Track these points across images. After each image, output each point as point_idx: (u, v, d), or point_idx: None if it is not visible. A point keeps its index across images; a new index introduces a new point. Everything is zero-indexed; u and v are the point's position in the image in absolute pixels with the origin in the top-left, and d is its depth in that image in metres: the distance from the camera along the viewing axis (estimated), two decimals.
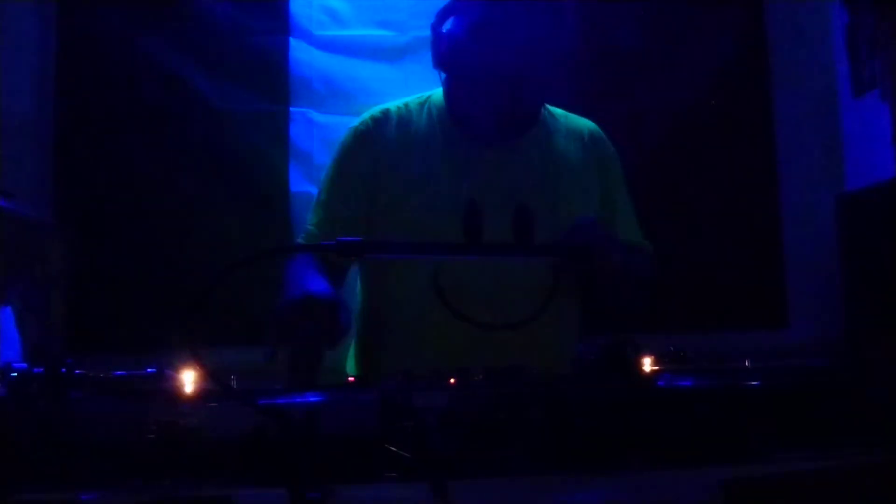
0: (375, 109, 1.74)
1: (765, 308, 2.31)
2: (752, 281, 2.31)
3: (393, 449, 0.85)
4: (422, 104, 1.73)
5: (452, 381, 1.00)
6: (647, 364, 1.04)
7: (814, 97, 2.37)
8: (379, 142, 1.68)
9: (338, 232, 1.58)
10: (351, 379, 1.07)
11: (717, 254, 2.30)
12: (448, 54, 1.61)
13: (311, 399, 0.92)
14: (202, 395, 0.92)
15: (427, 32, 1.66)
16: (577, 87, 2.31)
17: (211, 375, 0.91)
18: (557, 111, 1.79)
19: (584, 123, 1.80)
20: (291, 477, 0.77)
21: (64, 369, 0.95)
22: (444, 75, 1.66)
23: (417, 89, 1.96)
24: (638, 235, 1.77)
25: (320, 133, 2.25)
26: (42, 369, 0.96)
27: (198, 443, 0.85)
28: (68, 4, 2.24)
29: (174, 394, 0.93)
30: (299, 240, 1.75)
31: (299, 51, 2.25)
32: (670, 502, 0.80)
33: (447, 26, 1.62)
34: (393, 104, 1.74)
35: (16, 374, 0.95)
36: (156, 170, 2.18)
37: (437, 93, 1.74)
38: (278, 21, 2.26)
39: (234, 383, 1.00)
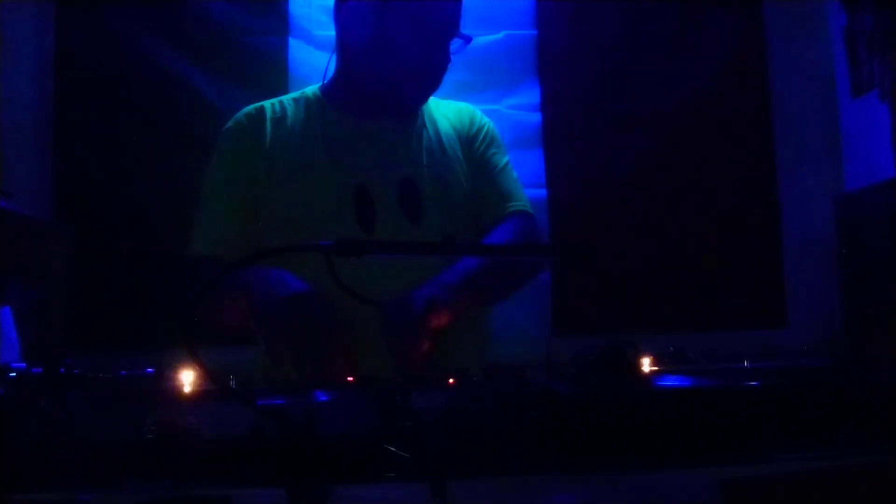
0: (249, 108, 1.73)
1: (764, 308, 2.32)
2: (751, 281, 2.32)
3: (392, 449, 0.85)
4: (296, 100, 1.74)
5: (451, 381, 1.00)
6: (647, 364, 1.05)
7: (812, 97, 2.37)
8: (257, 138, 1.68)
9: (234, 245, 1.59)
10: (350, 379, 1.07)
11: (716, 254, 2.30)
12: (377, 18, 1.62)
13: (310, 399, 0.92)
14: (201, 396, 0.93)
15: None
16: (573, 88, 2.32)
17: (210, 375, 0.91)
18: None
19: (457, 103, 1.83)
20: (290, 477, 0.77)
21: (63, 369, 0.95)
22: (347, 51, 1.68)
23: None
24: (519, 200, 1.76)
25: None
26: (41, 369, 0.96)
27: (197, 443, 0.85)
28: (68, 4, 2.24)
29: (173, 394, 0.93)
30: (191, 257, 1.65)
31: (299, 51, 2.24)
32: (670, 502, 0.80)
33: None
34: (267, 101, 1.74)
35: (14, 373, 0.95)
36: (155, 169, 2.18)
37: (310, 89, 1.76)
38: (278, 21, 2.25)
39: (232, 383, 1.00)
